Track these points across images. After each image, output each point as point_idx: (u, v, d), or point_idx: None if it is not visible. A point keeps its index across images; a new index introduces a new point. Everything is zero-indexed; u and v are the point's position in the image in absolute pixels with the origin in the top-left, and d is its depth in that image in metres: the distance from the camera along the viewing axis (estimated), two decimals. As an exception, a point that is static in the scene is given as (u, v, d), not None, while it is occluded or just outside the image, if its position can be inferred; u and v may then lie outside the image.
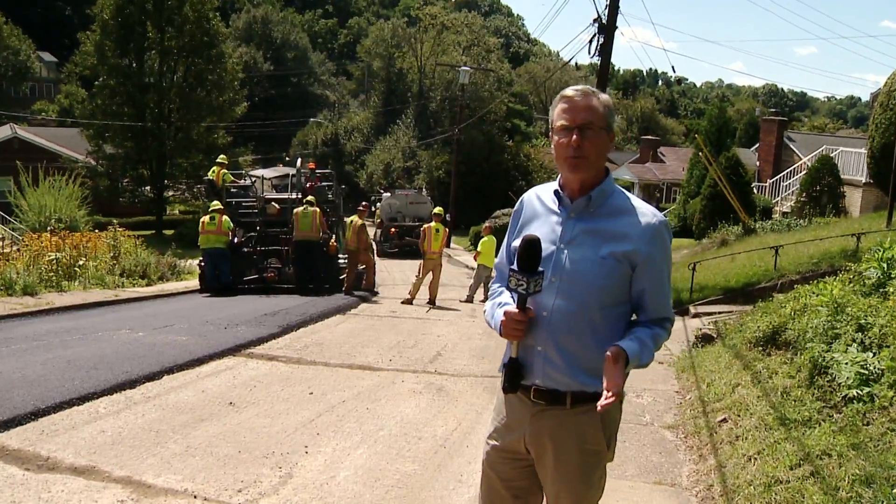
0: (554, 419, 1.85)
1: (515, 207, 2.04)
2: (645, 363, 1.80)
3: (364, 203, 12.80)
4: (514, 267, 1.79)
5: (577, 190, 1.87)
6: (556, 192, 1.91)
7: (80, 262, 10.95)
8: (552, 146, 1.91)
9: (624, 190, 1.94)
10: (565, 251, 1.83)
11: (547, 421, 1.86)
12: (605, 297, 1.81)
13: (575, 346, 1.81)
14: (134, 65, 28.61)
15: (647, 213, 1.85)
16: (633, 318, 1.91)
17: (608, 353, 1.72)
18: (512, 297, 1.86)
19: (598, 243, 1.81)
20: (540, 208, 1.94)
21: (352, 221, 11.33)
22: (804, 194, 16.76)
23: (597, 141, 1.82)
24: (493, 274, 2.16)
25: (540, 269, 1.77)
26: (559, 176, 1.93)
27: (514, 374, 1.85)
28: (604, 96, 1.87)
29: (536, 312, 1.82)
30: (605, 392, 1.68)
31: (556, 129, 1.85)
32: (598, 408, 1.69)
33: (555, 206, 1.91)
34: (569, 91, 1.86)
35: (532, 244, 1.76)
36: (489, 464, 1.99)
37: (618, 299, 1.84)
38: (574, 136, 1.80)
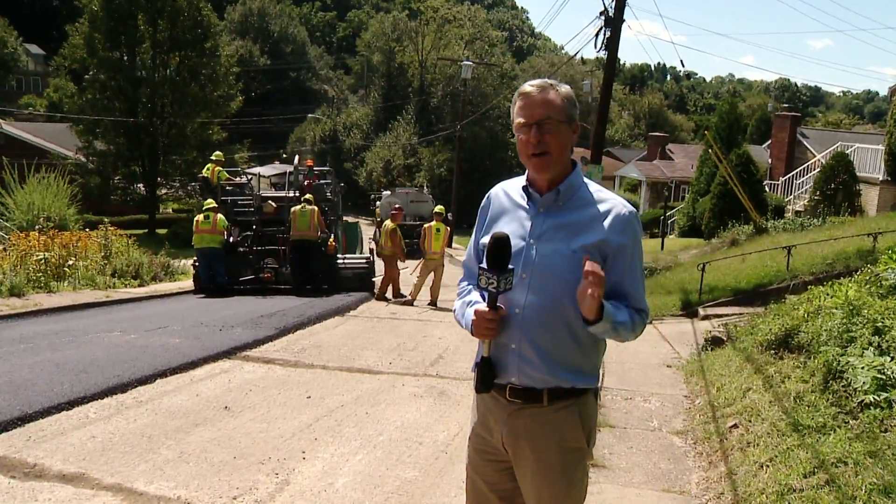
0: (531, 418, 1.83)
1: (483, 204, 2.00)
2: (619, 321, 1.74)
3: (398, 206, 12.66)
4: (484, 265, 1.75)
5: (545, 185, 1.86)
6: (524, 188, 1.90)
7: (70, 262, 10.76)
8: (517, 144, 1.87)
9: (591, 181, 1.90)
10: (535, 247, 1.82)
11: (524, 420, 1.84)
12: None
13: (550, 343, 1.79)
14: (125, 58, 28.24)
15: (616, 203, 1.83)
16: None
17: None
18: (482, 295, 1.83)
19: (568, 237, 1.80)
20: (508, 204, 1.93)
21: (385, 226, 11.28)
22: (818, 193, 16.48)
23: (557, 135, 1.80)
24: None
25: (510, 266, 1.74)
26: (526, 171, 1.91)
27: (486, 374, 1.85)
28: (563, 88, 1.84)
29: (509, 310, 1.80)
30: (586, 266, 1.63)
31: (516, 126, 1.84)
32: (585, 259, 1.64)
33: (523, 202, 1.89)
34: (526, 87, 1.84)
35: (501, 242, 1.74)
36: (472, 467, 1.98)
37: None
38: (533, 132, 1.79)
